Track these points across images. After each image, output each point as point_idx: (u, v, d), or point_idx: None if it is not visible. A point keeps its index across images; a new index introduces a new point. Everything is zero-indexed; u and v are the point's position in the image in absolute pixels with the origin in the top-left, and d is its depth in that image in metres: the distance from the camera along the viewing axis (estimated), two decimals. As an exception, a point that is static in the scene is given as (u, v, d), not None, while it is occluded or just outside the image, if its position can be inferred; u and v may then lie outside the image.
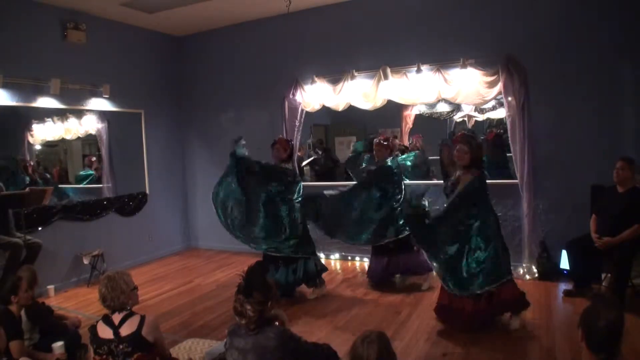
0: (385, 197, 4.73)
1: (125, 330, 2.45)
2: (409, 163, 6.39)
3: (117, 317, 2.48)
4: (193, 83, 7.18)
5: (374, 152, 4.95)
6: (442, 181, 4.94)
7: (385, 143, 4.85)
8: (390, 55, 5.54)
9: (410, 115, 7.29)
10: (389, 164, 4.81)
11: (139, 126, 6.60)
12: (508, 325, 3.76)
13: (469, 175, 3.75)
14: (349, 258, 6.21)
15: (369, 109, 5.73)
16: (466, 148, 3.73)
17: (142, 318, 2.51)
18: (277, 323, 2.34)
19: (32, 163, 5.54)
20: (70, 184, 6.11)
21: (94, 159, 6.27)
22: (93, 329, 2.50)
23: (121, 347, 2.42)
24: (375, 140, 4.98)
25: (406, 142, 7.32)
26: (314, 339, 2.69)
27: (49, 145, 5.86)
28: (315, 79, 5.92)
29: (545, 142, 4.94)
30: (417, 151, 6.75)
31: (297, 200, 4.72)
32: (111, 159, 6.21)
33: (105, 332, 2.46)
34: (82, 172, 6.27)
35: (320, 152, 7.52)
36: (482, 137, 6.08)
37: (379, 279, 4.97)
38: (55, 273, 5.35)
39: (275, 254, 4.60)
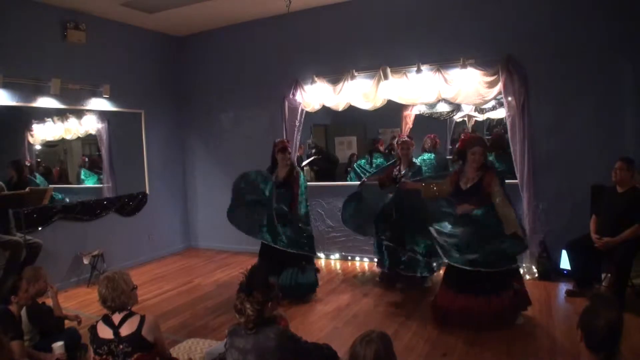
0: None
1: (125, 330, 2.45)
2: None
3: (117, 317, 2.48)
4: (193, 83, 7.18)
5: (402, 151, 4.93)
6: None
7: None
8: (390, 55, 5.54)
9: (410, 115, 7.28)
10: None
11: (139, 126, 6.60)
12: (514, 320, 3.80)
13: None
14: (349, 258, 6.21)
15: (369, 109, 5.73)
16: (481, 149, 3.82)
17: (142, 318, 2.51)
18: (282, 323, 2.35)
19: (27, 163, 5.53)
20: (69, 184, 6.12)
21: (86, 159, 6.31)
22: (93, 329, 2.49)
23: (121, 347, 2.41)
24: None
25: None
26: (314, 339, 2.69)
27: (49, 145, 5.86)
28: (315, 79, 5.92)
29: (545, 142, 4.94)
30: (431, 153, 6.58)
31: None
32: (111, 159, 6.20)
33: (105, 332, 2.45)
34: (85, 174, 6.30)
35: (317, 155, 7.53)
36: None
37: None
38: (55, 273, 5.32)
39: None
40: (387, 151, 7.29)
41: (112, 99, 6.07)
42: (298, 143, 6.36)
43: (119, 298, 2.47)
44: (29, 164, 5.49)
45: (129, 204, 6.42)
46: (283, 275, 4.59)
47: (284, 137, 6.05)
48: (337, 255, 6.29)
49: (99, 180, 6.23)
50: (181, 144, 7.36)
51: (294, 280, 4.62)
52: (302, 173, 4.87)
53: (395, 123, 7.47)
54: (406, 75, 5.38)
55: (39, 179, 5.56)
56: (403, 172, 4.83)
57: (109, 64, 6.09)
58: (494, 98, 5.22)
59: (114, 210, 6.22)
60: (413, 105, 6.89)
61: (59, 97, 5.45)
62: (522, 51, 4.89)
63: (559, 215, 4.90)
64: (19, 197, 4.77)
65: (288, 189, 4.69)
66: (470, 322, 3.72)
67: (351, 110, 5.95)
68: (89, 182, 6.24)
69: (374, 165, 6.70)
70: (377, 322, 4.05)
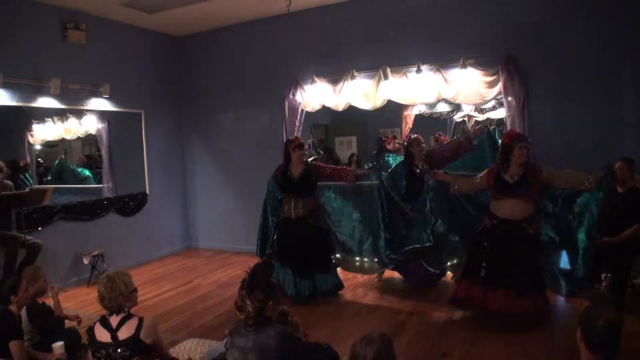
0: None
1: (123, 334, 2.41)
2: None
3: (114, 320, 2.44)
4: (193, 83, 7.18)
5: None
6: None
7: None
8: (390, 55, 5.54)
9: (410, 115, 7.29)
10: None
11: (139, 126, 6.60)
12: None
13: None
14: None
15: (369, 109, 5.73)
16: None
17: (140, 320, 2.47)
18: (295, 318, 2.38)
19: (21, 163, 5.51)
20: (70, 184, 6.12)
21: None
22: (90, 331, 2.46)
23: (119, 351, 2.38)
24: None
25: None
26: (315, 339, 2.69)
27: (49, 145, 5.86)
28: (315, 79, 5.92)
29: (545, 142, 4.93)
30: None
31: None
32: (111, 159, 6.20)
33: (102, 335, 2.42)
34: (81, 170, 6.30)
35: (321, 152, 7.52)
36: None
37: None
38: (55, 273, 5.33)
39: None
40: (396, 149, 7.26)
41: (112, 99, 6.07)
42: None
43: (116, 299, 2.43)
44: (22, 164, 5.47)
45: (129, 204, 6.42)
46: (322, 278, 4.66)
47: (284, 137, 6.05)
48: (337, 255, 6.26)
49: (95, 174, 6.23)
50: (181, 144, 7.36)
51: (331, 282, 4.73)
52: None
53: (395, 123, 7.47)
54: (406, 75, 5.37)
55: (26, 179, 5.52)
56: (421, 167, 4.75)
57: (109, 64, 6.09)
58: (494, 98, 5.22)
59: (114, 210, 6.22)
60: (413, 105, 6.89)
61: (59, 97, 5.45)
62: (522, 51, 4.88)
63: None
64: (20, 197, 4.78)
65: (305, 182, 4.61)
66: (508, 321, 3.70)
67: (351, 110, 5.95)
68: (84, 176, 6.24)
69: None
70: (377, 322, 4.06)
